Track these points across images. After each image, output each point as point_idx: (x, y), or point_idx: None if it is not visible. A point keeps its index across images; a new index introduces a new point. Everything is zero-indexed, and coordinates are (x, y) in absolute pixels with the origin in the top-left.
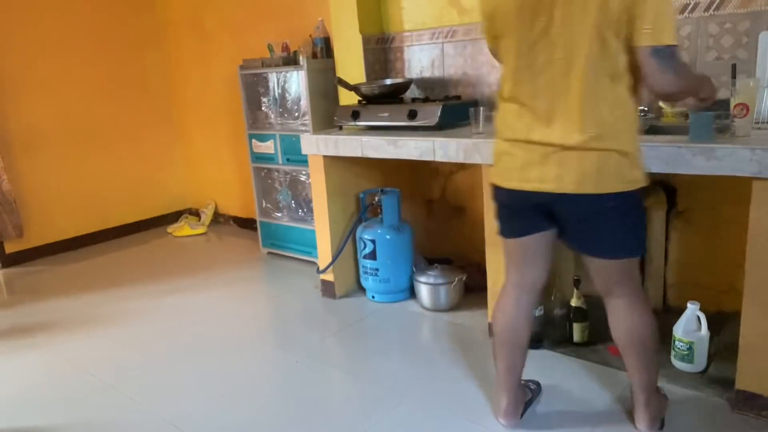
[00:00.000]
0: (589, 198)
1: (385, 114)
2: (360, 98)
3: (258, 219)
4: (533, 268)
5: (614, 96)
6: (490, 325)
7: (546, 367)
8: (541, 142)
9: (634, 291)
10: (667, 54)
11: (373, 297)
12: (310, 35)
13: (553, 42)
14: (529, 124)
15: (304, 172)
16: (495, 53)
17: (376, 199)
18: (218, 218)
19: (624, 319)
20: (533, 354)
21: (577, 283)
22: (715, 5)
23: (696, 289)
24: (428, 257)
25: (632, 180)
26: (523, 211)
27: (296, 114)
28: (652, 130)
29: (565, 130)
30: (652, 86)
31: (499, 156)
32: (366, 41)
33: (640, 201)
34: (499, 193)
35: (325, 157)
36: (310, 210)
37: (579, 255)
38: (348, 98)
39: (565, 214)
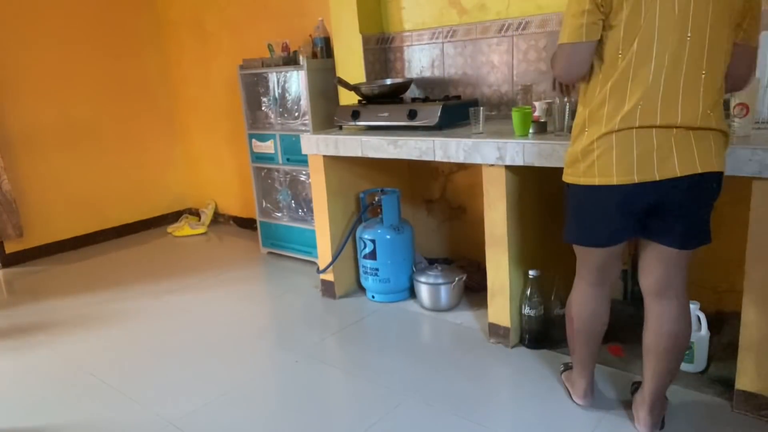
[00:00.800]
0: (705, 177)
1: (385, 114)
2: (360, 98)
3: (258, 219)
4: (613, 267)
5: (722, 79)
6: (490, 325)
7: (546, 367)
8: (662, 125)
9: (685, 293)
10: None
11: (373, 297)
12: (310, 35)
13: (685, 20)
14: (646, 107)
15: (304, 172)
16: (584, 36)
17: (376, 199)
18: (218, 218)
19: (671, 322)
20: (533, 354)
21: None
22: None
23: (696, 289)
24: (428, 257)
25: (724, 162)
26: (628, 212)
27: (296, 114)
28: None
29: (689, 111)
30: (748, 81)
31: (602, 152)
32: (366, 41)
33: None
34: (603, 194)
35: (325, 157)
36: (310, 210)
37: (658, 247)
38: (348, 98)
39: (678, 201)
